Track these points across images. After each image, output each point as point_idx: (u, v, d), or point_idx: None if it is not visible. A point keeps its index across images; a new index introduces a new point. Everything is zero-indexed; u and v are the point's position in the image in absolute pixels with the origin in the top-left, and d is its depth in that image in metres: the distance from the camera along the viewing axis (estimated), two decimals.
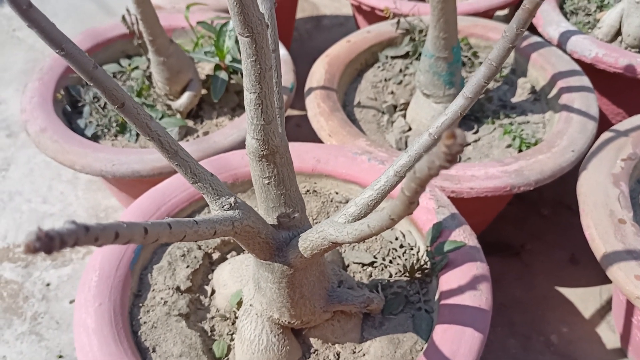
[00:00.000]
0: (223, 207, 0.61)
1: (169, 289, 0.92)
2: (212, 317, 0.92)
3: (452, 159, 0.29)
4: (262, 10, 0.64)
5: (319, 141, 1.24)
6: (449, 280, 0.87)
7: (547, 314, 1.33)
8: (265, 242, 0.67)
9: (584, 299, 1.35)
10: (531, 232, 1.50)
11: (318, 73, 1.35)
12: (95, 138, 1.29)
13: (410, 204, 0.37)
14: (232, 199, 0.61)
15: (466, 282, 0.86)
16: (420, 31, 1.43)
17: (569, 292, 1.37)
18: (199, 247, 0.98)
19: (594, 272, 1.39)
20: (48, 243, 0.28)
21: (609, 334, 1.28)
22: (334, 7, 2.45)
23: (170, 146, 0.56)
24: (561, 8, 1.59)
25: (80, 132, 1.29)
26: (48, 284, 1.42)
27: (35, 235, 0.28)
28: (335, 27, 2.36)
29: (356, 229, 0.49)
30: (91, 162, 1.14)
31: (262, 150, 0.63)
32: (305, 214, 0.73)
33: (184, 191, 1.03)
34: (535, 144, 1.19)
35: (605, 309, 1.33)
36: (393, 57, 1.46)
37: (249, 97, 0.58)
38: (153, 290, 0.93)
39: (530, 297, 1.36)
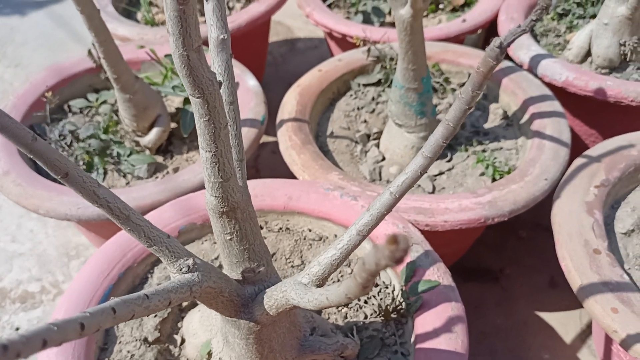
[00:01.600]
0: (181, 269, 0.58)
1: (136, 340, 0.89)
2: None
3: (398, 261, 0.27)
4: (217, 63, 0.62)
5: (295, 172, 1.22)
6: (424, 322, 0.85)
7: (528, 340, 1.31)
8: (230, 300, 0.65)
9: (564, 323, 1.34)
10: (510, 256, 1.49)
11: (289, 104, 1.33)
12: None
13: (364, 288, 0.35)
14: (190, 261, 0.58)
15: (441, 324, 0.84)
16: (392, 59, 1.42)
17: (549, 317, 1.35)
18: None
19: (573, 295, 1.36)
20: None
21: (590, 359, 1.27)
22: (308, 30, 2.45)
23: (121, 212, 0.53)
24: (532, 30, 1.59)
25: (46, 173, 1.26)
26: (17, 328, 1.38)
27: None
28: (310, 50, 2.35)
29: (316, 299, 0.47)
30: (56, 206, 1.11)
31: (221, 207, 0.61)
32: (272, 266, 0.70)
33: None
34: (509, 172, 1.19)
35: (586, 332, 1.32)
36: (365, 85, 1.44)
37: (204, 156, 0.56)
38: (119, 342, 0.89)
39: (511, 324, 1.34)
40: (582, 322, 1.34)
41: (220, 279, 0.62)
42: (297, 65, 2.24)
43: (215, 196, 0.60)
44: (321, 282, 0.60)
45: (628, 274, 1.02)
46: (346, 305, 0.95)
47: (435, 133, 0.54)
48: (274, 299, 0.61)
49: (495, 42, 0.47)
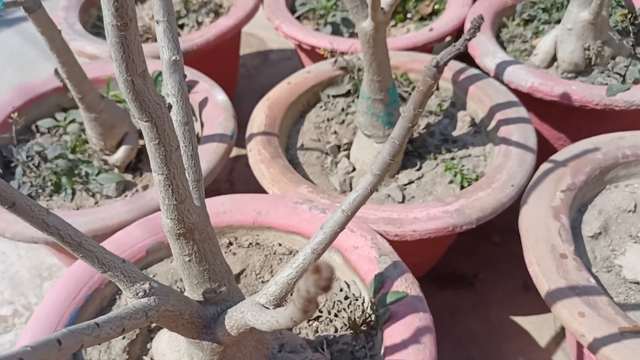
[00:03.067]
0: (137, 294, 0.57)
1: None
2: None
3: (325, 287, 0.27)
4: (170, 85, 0.62)
5: (265, 186, 1.22)
6: (392, 333, 0.85)
7: (504, 345, 1.32)
8: (190, 322, 0.64)
9: (538, 327, 1.35)
10: (483, 261, 1.50)
11: (259, 118, 1.33)
12: None
13: (306, 312, 0.35)
14: (146, 285, 0.58)
15: (409, 336, 0.84)
16: (360, 69, 1.43)
17: (524, 321, 1.36)
18: None
19: None
20: None
21: None
22: (280, 41, 2.45)
23: (72, 239, 0.53)
24: (497, 37, 1.61)
25: None
26: None
27: None
28: (283, 61, 2.35)
29: (268, 321, 0.47)
30: (22, 229, 1.09)
31: (178, 229, 0.60)
32: (234, 285, 0.70)
33: (119, 255, 0.99)
34: (476, 179, 1.20)
35: (560, 335, 1.33)
36: (335, 96, 1.45)
37: (157, 179, 0.56)
38: None
39: (487, 329, 1.35)
40: (556, 325, 1.35)
41: (180, 301, 0.62)
42: (271, 76, 2.24)
43: (171, 218, 0.59)
44: (279, 302, 0.60)
45: (596, 277, 1.03)
46: (316, 319, 0.95)
47: (382, 151, 0.54)
48: (234, 319, 0.61)
49: (432, 61, 0.48)
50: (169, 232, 0.61)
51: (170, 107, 0.53)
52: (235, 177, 1.82)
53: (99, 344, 0.61)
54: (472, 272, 1.48)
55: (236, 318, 0.60)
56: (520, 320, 1.37)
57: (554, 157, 1.18)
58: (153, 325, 0.95)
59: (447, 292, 1.43)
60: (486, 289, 1.44)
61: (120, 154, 1.27)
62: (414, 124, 0.52)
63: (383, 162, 0.54)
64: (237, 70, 2.00)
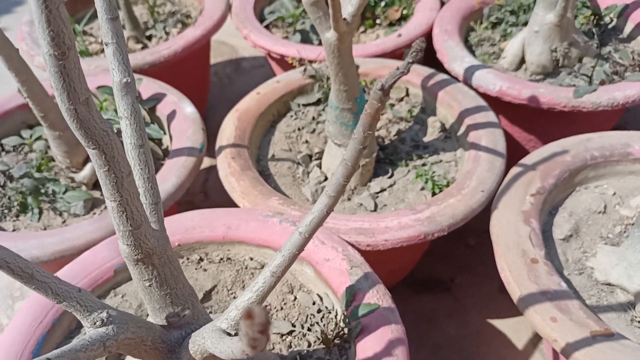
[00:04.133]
0: (95, 323, 0.56)
1: None
2: None
3: (262, 332, 0.26)
4: (124, 106, 0.61)
5: (235, 199, 1.20)
6: (365, 347, 0.85)
7: (482, 349, 1.32)
8: (154, 347, 0.63)
9: (515, 329, 1.35)
10: (460, 264, 1.50)
11: (228, 130, 1.32)
12: None
13: (254, 348, 0.34)
14: (104, 314, 0.56)
15: (382, 349, 0.83)
16: (328, 78, 1.43)
17: (501, 324, 1.37)
18: None
19: None
20: None
21: None
22: (252, 49, 2.44)
23: (23, 271, 0.51)
24: (466, 41, 1.61)
25: None
26: None
27: None
28: (255, 69, 2.34)
29: (225, 350, 0.46)
30: None
31: (135, 255, 0.59)
32: (199, 307, 0.69)
33: (86, 277, 0.97)
34: (447, 185, 1.19)
35: (537, 337, 1.34)
36: (305, 105, 1.44)
37: (110, 205, 0.55)
38: None
39: (464, 334, 1.35)
40: (532, 327, 1.35)
41: (141, 328, 0.60)
42: (243, 85, 2.23)
43: (127, 244, 0.58)
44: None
45: (567, 280, 1.03)
46: (289, 333, 0.93)
47: (335, 173, 0.53)
48: (197, 344, 0.60)
49: (377, 85, 0.47)
50: (127, 258, 0.60)
51: (119, 132, 0.52)
52: (209, 188, 1.80)
53: None
54: (449, 276, 1.48)
55: (199, 343, 0.59)
56: (498, 323, 1.37)
57: (523, 160, 1.18)
58: None
59: (424, 297, 1.43)
60: (463, 293, 1.44)
61: (86, 171, 1.24)
62: (365, 145, 0.51)
63: (337, 184, 0.53)
64: (208, 80, 1.99)
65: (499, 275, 1.44)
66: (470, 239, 1.56)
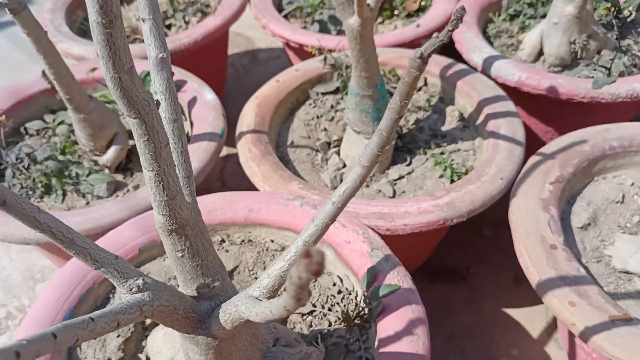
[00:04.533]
0: (131, 290, 0.58)
1: None
2: None
3: (316, 272, 0.28)
4: (157, 83, 0.62)
5: (255, 183, 1.22)
6: (386, 326, 0.86)
7: (497, 337, 1.33)
8: (185, 316, 0.64)
9: (530, 319, 1.36)
10: (475, 254, 1.51)
11: (248, 116, 1.33)
12: None
13: (299, 300, 0.36)
14: (140, 281, 0.58)
15: (403, 327, 0.85)
16: (348, 66, 1.44)
17: (515, 313, 1.38)
18: None
19: None
20: None
21: (557, 352, 1.29)
22: (269, 40, 2.45)
23: (64, 236, 0.53)
24: (484, 33, 1.62)
25: None
26: None
27: None
28: (272, 60, 2.35)
29: (262, 312, 0.47)
30: (13, 230, 1.09)
31: (170, 225, 0.61)
32: (227, 280, 0.70)
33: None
34: (466, 172, 1.20)
35: (552, 326, 1.34)
36: (324, 94, 1.45)
37: (147, 175, 0.56)
38: None
39: (479, 323, 1.36)
40: (547, 316, 1.36)
41: (174, 296, 0.62)
42: (259, 75, 2.24)
43: (163, 214, 0.60)
44: (272, 294, 0.61)
45: (585, 268, 1.04)
46: (310, 313, 0.95)
47: (370, 143, 0.55)
48: (228, 313, 0.61)
49: (416, 53, 0.48)
50: (161, 229, 0.62)
51: (158, 103, 0.53)
52: (226, 176, 1.82)
53: (94, 339, 0.61)
54: (464, 266, 1.49)
55: (230, 312, 0.60)
56: (512, 312, 1.38)
57: (542, 150, 1.19)
58: (148, 322, 0.95)
59: (439, 286, 1.44)
60: (478, 283, 1.45)
61: (110, 155, 1.27)
62: (401, 115, 0.52)
63: (371, 154, 0.55)
64: (225, 69, 2.00)
65: (514, 265, 1.46)
66: (485, 229, 1.57)
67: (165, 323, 0.63)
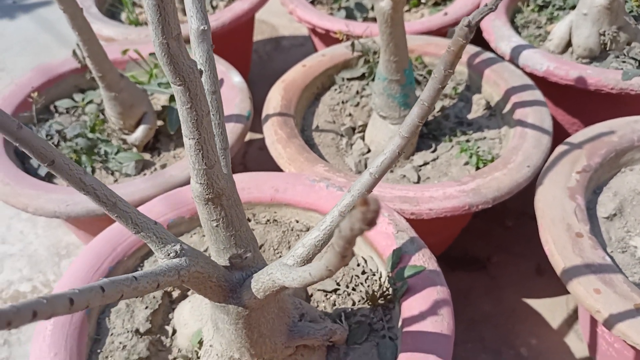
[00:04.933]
0: (169, 255, 0.59)
1: (128, 332, 0.90)
2: (174, 358, 0.90)
3: (370, 222, 0.28)
4: (198, 54, 0.63)
5: (281, 165, 1.23)
6: (410, 306, 0.87)
7: (516, 326, 1.33)
8: (218, 285, 0.66)
9: (551, 310, 1.36)
10: (496, 244, 1.51)
11: (274, 99, 1.34)
12: (49, 177, 1.26)
13: (343, 257, 0.37)
14: (177, 246, 0.59)
15: (427, 308, 0.85)
16: (375, 52, 1.44)
17: (536, 303, 1.37)
18: None
19: (559, 282, 1.38)
20: None
21: (577, 344, 1.29)
22: (293, 28, 2.46)
23: (107, 199, 0.54)
24: (512, 22, 1.61)
25: (34, 172, 1.26)
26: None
27: None
28: (295, 47, 2.36)
29: (300, 276, 0.48)
30: (44, 203, 1.11)
31: (207, 194, 0.62)
32: (259, 252, 0.72)
33: None
34: (492, 160, 1.20)
35: (572, 318, 1.34)
36: (349, 79, 1.46)
37: (188, 143, 0.57)
38: (111, 334, 0.90)
39: (499, 311, 1.36)
40: (568, 307, 1.36)
41: (208, 264, 0.63)
42: (283, 62, 2.25)
43: (200, 183, 0.61)
44: (305, 264, 0.62)
45: (611, 257, 1.04)
46: (334, 292, 0.96)
47: (411, 114, 0.55)
48: (261, 282, 0.63)
49: (464, 21, 0.49)
50: (198, 197, 0.63)
51: (201, 72, 0.54)
52: (248, 161, 1.84)
53: (136, 297, 0.62)
54: (485, 255, 1.49)
55: (263, 280, 0.61)
56: (533, 302, 1.38)
57: (570, 139, 1.18)
58: (175, 296, 0.97)
59: (460, 274, 1.45)
60: (499, 272, 1.45)
61: (139, 133, 1.28)
62: (444, 85, 0.53)
63: (412, 124, 0.55)
64: (250, 55, 2.02)
65: (536, 256, 1.46)
66: (507, 220, 1.57)
67: (199, 290, 0.64)
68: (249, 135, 1.92)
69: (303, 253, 0.62)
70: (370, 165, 0.60)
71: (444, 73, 0.51)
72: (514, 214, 1.57)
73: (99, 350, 0.88)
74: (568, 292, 1.39)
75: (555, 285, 1.40)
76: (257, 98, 1.78)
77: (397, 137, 0.57)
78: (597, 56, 1.47)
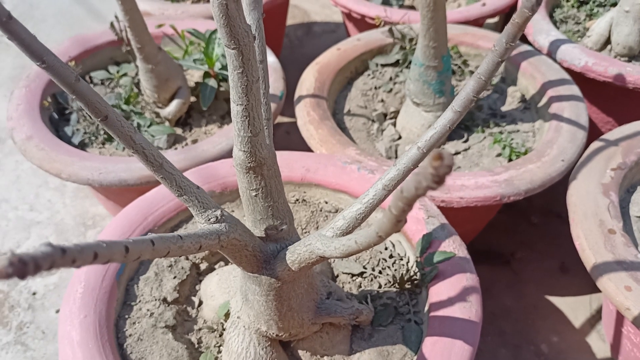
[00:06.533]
0: (209, 220, 0.60)
1: (156, 300, 0.91)
2: (200, 329, 0.91)
3: (440, 180, 0.28)
4: (249, 22, 0.63)
5: (309, 149, 1.24)
6: (438, 291, 0.87)
7: (538, 323, 1.32)
8: (253, 255, 0.66)
9: (574, 308, 1.35)
10: (521, 240, 1.50)
11: (308, 81, 1.34)
12: (82, 146, 1.28)
13: (398, 222, 0.37)
14: (218, 212, 0.60)
15: (456, 294, 0.85)
16: (411, 39, 1.43)
17: (559, 301, 1.36)
18: (187, 258, 0.97)
19: (583, 280, 1.39)
20: (21, 268, 0.27)
21: (599, 343, 1.28)
22: (324, 14, 2.45)
23: (155, 159, 0.55)
24: (551, 17, 1.59)
25: (67, 140, 1.28)
26: (34, 293, 1.40)
27: (7, 261, 0.27)
28: (326, 34, 2.35)
29: (343, 245, 0.48)
30: (78, 170, 1.13)
31: (249, 163, 0.62)
32: (294, 225, 0.72)
33: (172, 200, 1.02)
34: (525, 153, 1.19)
35: (595, 318, 1.33)
36: (383, 65, 1.45)
37: (235, 109, 0.58)
38: (139, 301, 0.91)
39: (521, 306, 1.35)
40: (591, 307, 1.35)
41: (246, 232, 0.64)
42: (314, 48, 2.25)
43: (244, 151, 0.61)
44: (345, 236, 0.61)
45: None
46: (360, 275, 0.96)
47: (466, 87, 0.55)
48: (297, 253, 0.63)
49: None
50: (240, 165, 0.63)
51: (254, 38, 0.54)
52: (275, 144, 1.84)
53: (180, 256, 0.63)
54: (509, 250, 1.48)
55: (300, 252, 0.62)
56: (555, 300, 1.37)
57: (605, 136, 1.17)
58: (202, 268, 0.97)
59: (483, 268, 1.44)
60: (522, 268, 1.44)
61: (172, 107, 1.29)
62: (504, 58, 0.52)
63: (466, 98, 0.55)
64: (282, 39, 2.02)
65: (561, 254, 1.45)
66: (533, 216, 1.55)
67: (234, 258, 0.65)
68: (278, 119, 1.92)
69: (343, 225, 0.62)
70: (420, 139, 0.59)
71: (506, 46, 0.51)
72: (540, 211, 1.56)
73: (127, 316, 0.90)
74: (592, 292, 1.38)
75: (579, 284, 1.39)
76: (287, 81, 1.78)
77: (450, 111, 0.57)
78: (636, 55, 1.45)
